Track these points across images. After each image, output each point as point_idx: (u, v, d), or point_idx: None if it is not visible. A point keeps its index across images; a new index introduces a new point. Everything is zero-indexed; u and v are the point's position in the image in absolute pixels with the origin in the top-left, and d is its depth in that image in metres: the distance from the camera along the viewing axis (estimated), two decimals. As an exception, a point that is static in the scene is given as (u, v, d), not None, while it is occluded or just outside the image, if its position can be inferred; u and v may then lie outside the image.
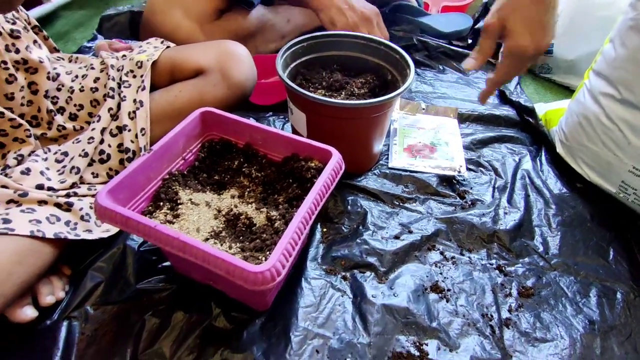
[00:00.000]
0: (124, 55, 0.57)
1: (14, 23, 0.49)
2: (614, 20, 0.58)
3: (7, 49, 0.48)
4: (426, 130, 0.70)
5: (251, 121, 0.45)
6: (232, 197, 0.44)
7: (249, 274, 0.31)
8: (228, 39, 0.73)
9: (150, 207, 0.41)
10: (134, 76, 0.55)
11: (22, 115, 0.50)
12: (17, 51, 0.49)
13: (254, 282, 0.31)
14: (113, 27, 0.87)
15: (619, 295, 0.48)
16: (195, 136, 0.47)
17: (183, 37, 0.66)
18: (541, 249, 0.54)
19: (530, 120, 0.73)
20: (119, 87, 0.54)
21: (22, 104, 0.49)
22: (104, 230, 0.47)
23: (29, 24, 0.54)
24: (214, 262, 0.32)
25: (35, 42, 0.52)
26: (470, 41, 0.93)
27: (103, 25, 0.85)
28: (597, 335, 0.45)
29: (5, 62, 0.47)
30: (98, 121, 0.52)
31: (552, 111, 0.76)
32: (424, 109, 0.75)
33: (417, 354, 0.43)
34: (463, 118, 0.74)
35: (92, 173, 0.51)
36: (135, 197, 0.40)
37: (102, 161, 0.52)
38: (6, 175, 0.45)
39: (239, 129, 0.46)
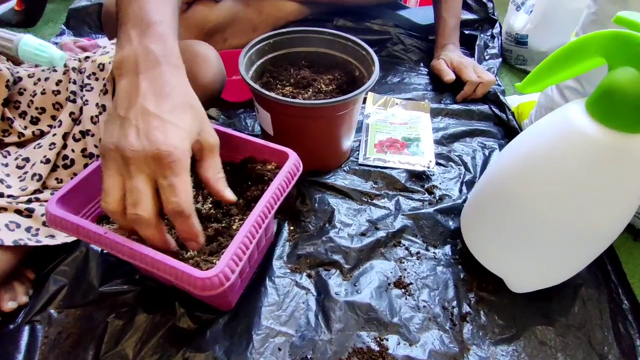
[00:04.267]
0: (87, 57, 0.56)
1: None
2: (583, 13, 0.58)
3: None
4: (398, 125, 0.70)
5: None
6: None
7: (197, 279, 0.31)
8: (195, 31, 0.72)
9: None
10: (97, 79, 0.54)
11: None
12: None
13: (202, 287, 0.31)
14: (81, 21, 0.85)
15: (575, 291, 0.50)
16: None
17: None
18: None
19: (500, 114, 0.73)
20: (81, 89, 0.53)
21: None
22: (67, 235, 0.47)
23: None
24: (163, 269, 0.32)
25: None
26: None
27: (71, 19, 0.83)
28: (553, 329, 0.46)
29: None
30: (59, 126, 0.52)
31: (524, 104, 0.76)
32: (397, 103, 0.75)
33: (377, 349, 0.44)
34: (436, 112, 0.74)
35: (56, 179, 0.51)
36: (91, 203, 0.40)
37: (65, 166, 0.51)
38: None
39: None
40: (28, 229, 0.44)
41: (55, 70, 0.55)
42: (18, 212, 0.44)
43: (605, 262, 0.52)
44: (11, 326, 0.43)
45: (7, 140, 0.51)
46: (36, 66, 0.58)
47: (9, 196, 0.45)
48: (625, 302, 0.49)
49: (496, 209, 0.45)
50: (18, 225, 0.43)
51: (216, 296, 0.41)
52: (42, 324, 0.43)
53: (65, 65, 0.55)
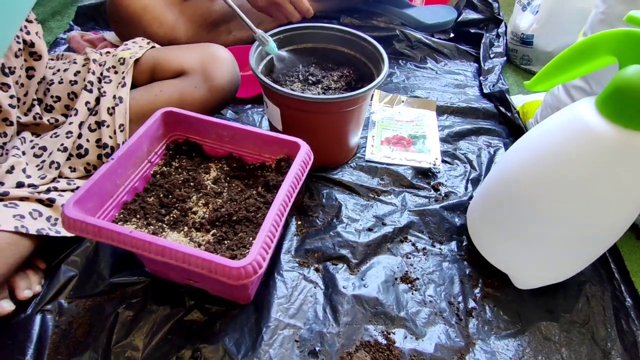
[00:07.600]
0: (108, 52, 0.57)
1: None
2: (591, 12, 0.59)
3: (20, 29, 0.49)
4: (404, 122, 0.71)
5: (214, 118, 0.45)
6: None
7: (232, 269, 0.32)
8: (199, 20, 0.72)
9: (121, 215, 0.41)
10: (115, 72, 0.55)
11: (11, 97, 0.49)
12: (28, 32, 0.50)
13: (237, 277, 0.32)
14: (90, 18, 0.85)
15: (579, 288, 0.50)
16: (159, 138, 0.47)
17: (150, 17, 0.65)
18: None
19: (506, 112, 0.73)
20: (99, 82, 0.54)
21: (16, 82, 0.49)
22: None
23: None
24: (195, 263, 0.33)
25: (37, 33, 0.53)
26: (452, 34, 0.93)
27: (79, 16, 0.83)
28: (557, 325, 0.47)
29: (17, 37, 0.48)
30: (75, 115, 0.52)
31: (529, 103, 0.77)
32: (403, 101, 0.75)
33: (384, 342, 0.44)
34: (442, 110, 0.75)
35: (70, 167, 0.52)
36: (104, 205, 0.40)
37: (79, 156, 0.52)
38: None
39: (204, 127, 0.46)
40: (48, 218, 0.45)
41: (75, 63, 0.56)
42: (39, 201, 0.45)
43: (609, 260, 0.53)
44: (22, 315, 0.43)
45: (23, 120, 0.51)
46: (58, 58, 0.59)
47: (29, 185, 0.46)
48: (628, 299, 0.50)
49: (503, 206, 0.46)
50: (40, 214, 0.44)
51: (238, 290, 0.42)
52: (53, 313, 0.44)
53: (86, 59, 0.56)
